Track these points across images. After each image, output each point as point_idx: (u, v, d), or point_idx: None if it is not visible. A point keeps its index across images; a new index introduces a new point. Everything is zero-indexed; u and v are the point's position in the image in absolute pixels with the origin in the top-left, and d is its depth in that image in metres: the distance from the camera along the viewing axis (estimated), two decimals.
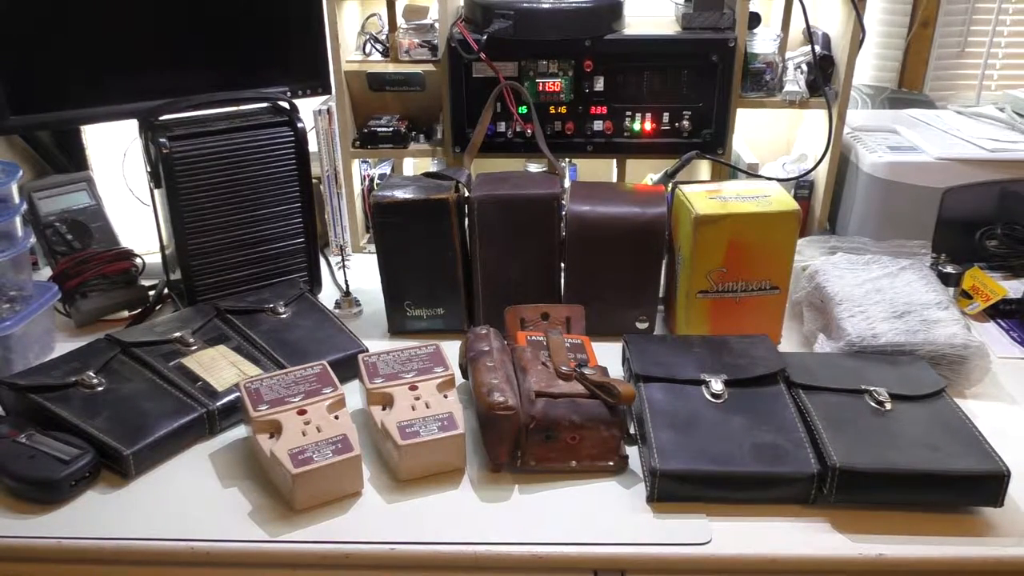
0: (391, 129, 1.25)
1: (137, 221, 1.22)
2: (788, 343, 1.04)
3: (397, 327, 1.08)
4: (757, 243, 0.96)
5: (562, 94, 1.20)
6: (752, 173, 1.23)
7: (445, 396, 0.86)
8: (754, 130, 1.38)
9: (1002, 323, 1.10)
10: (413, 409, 0.83)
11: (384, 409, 0.85)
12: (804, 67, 1.22)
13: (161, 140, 1.00)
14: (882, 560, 0.72)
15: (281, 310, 1.04)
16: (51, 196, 1.15)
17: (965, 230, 1.21)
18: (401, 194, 1.01)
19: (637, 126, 1.22)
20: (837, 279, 1.03)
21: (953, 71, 1.54)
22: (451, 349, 0.95)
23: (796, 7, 1.20)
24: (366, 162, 1.34)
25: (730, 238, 0.96)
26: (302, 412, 0.82)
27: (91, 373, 0.89)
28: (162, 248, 1.13)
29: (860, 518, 0.76)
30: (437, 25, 1.21)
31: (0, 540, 0.75)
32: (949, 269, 1.11)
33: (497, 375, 0.84)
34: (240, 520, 0.77)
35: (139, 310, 1.13)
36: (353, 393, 0.92)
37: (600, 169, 1.35)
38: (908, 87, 1.52)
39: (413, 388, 0.86)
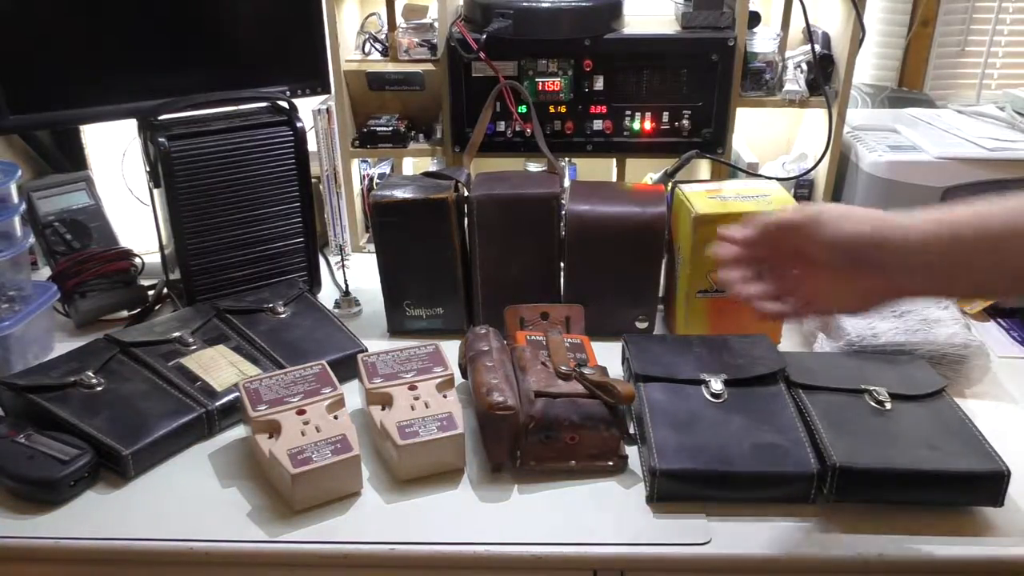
0: (390, 128, 1.25)
1: (136, 221, 1.22)
2: (788, 343, 1.04)
3: (396, 327, 1.07)
4: None
5: (561, 93, 1.20)
6: (752, 172, 1.22)
7: (444, 396, 0.86)
8: (754, 129, 1.37)
9: (1002, 322, 1.10)
10: (412, 409, 0.83)
11: (383, 409, 0.84)
12: (804, 66, 1.22)
13: (160, 139, 1.00)
14: (882, 560, 0.72)
15: (280, 310, 1.04)
16: (50, 196, 1.15)
17: None
18: (400, 194, 1.01)
19: (637, 125, 1.22)
20: None
21: (953, 70, 1.53)
22: (451, 349, 0.94)
23: (796, 6, 1.19)
24: (365, 161, 1.34)
25: None
26: (301, 412, 0.82)
27: (90, 373, 0.89)
28: (161, 248, 1.13)
29: (860, 518, 0.76)
30: (436, 24, 1.20)
31: None
32: None
33: (496, 375, 0.84)
34: (239, 520, 0.77)
35: (138, 310, 1.13)
36: (352, 393, 0.92)
37: (600, 168, 1.34)
38: (908, 86, 1.52)
39: (413, 388, 0.86)
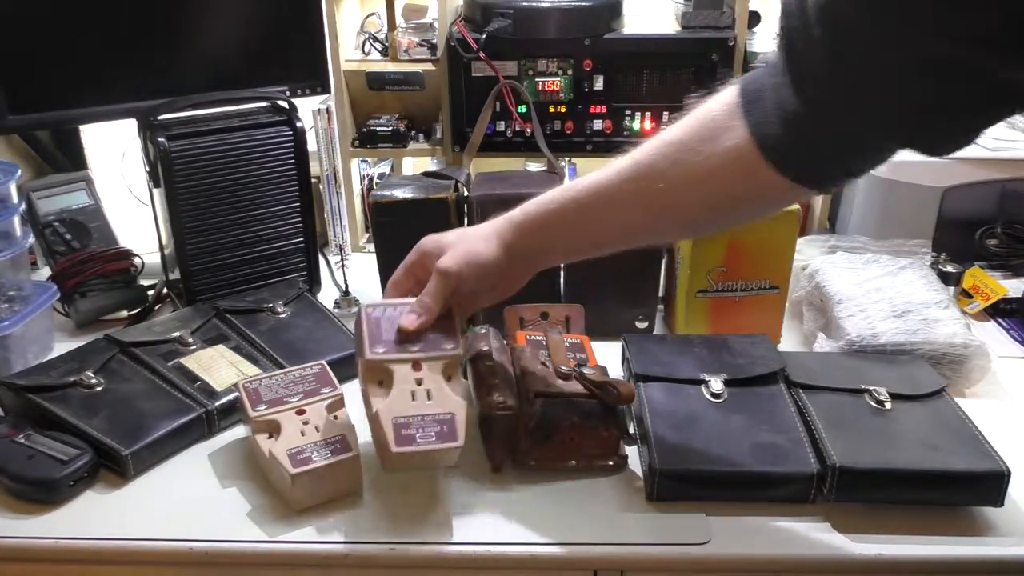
0: (390, 128, 1.25)
1: (136, 221, 1.22)
2: (788, 343, 1.04)
3: None
4: (757, 243, 0.96)
5: (561, 93, 1.20)
6: None
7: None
8: None
9: (1002, 322, 1.10)
10: (412, 398, 0.76)
11: (380, 386, 0.78)
12: None
13: (160, 139, 1.00)
14: (882, 560, 0.72)
15: (280, 310, 1.04)
16: (50, 196, 1.15)
17: (965, 229, 1.21)
18: (400, 193, 1.01)
19: (637, 125, 1.22)
20: (837, 278, 1.03)
21: None
22: None
23: None
24: (365, 161, 1.34)
25: (729, 238, 0.96)
26: (301, 412, 0.82)
27: (90, 373, 0.89)
28: (161, 248, 1.13)
29: (860, 518, 0.75)
30: (436, 24, 1.20)
31: None
32: (949, 268, 1.11)
33: (496, 375, 0.84)
34: (239, 520, 0.77)
35: (138, 310, 1.12)
36: (352, 393, 0.91)
37: (600, 168, 1.34)
38: None
39: (417, 367, 0.79)
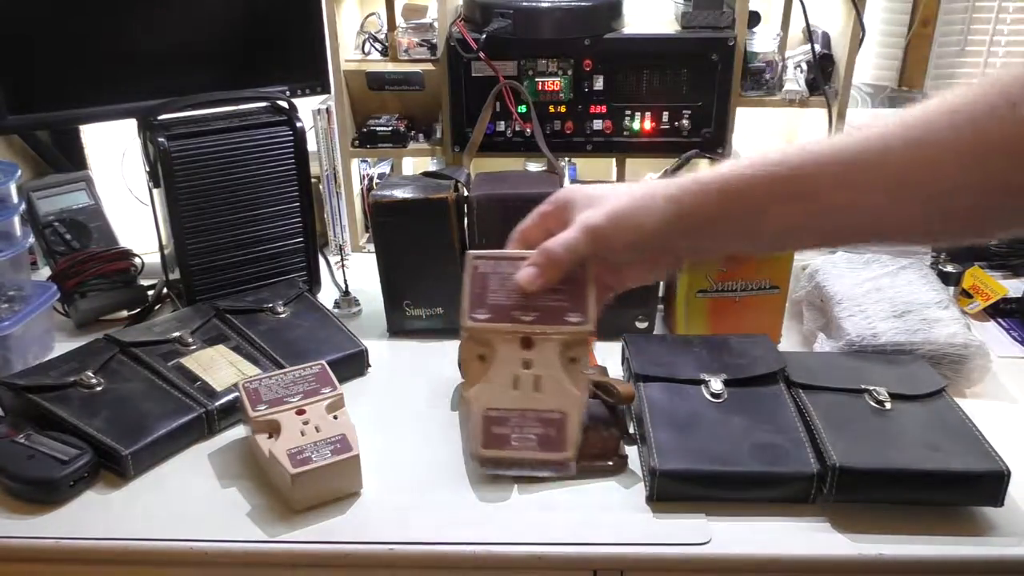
0: (390, 128, 1.25)
1: (136, 221, 1.22)
2: (788, 343, 1.04)
3: (396, 327, 1.07)
4: None
5: (561, 93, 1.20)
6: None
7: None
8: (754, 129, 1.37)
9: (1002, 322, 1.10)
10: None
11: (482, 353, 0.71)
12: (804, 66, 1.22)
13: (160, 139, 1.00)
14: (882, 560, 0.72)
15: (280, 310, 1.04)
16: (50, 196, 1.15)
17: None
18: (400, 193, 1.01)
19: (637, 125, 1.22)
20: (837, 278, 1.03)
21: (953, 70, 1.53)
22: (450, 349, 0.94)
23: (796, 6, 1.19)
24: (365, 161, 1.34)
25: None
26: (301, 412, 0.82)
27: (90, 373, 0.89)
28: (161, 248, 1.13)
29: (860, 518, 0.75)
30: (436, 24, 1.20)
31: None
32: (949, 268, 1.11)
33: None
34: (239, 520, 0.77)
35: (138, 310, 1.12)
36: (353, 393, 0.92)
37: (600, 168, 1.34)
38: (908, 86, 1.52)
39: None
